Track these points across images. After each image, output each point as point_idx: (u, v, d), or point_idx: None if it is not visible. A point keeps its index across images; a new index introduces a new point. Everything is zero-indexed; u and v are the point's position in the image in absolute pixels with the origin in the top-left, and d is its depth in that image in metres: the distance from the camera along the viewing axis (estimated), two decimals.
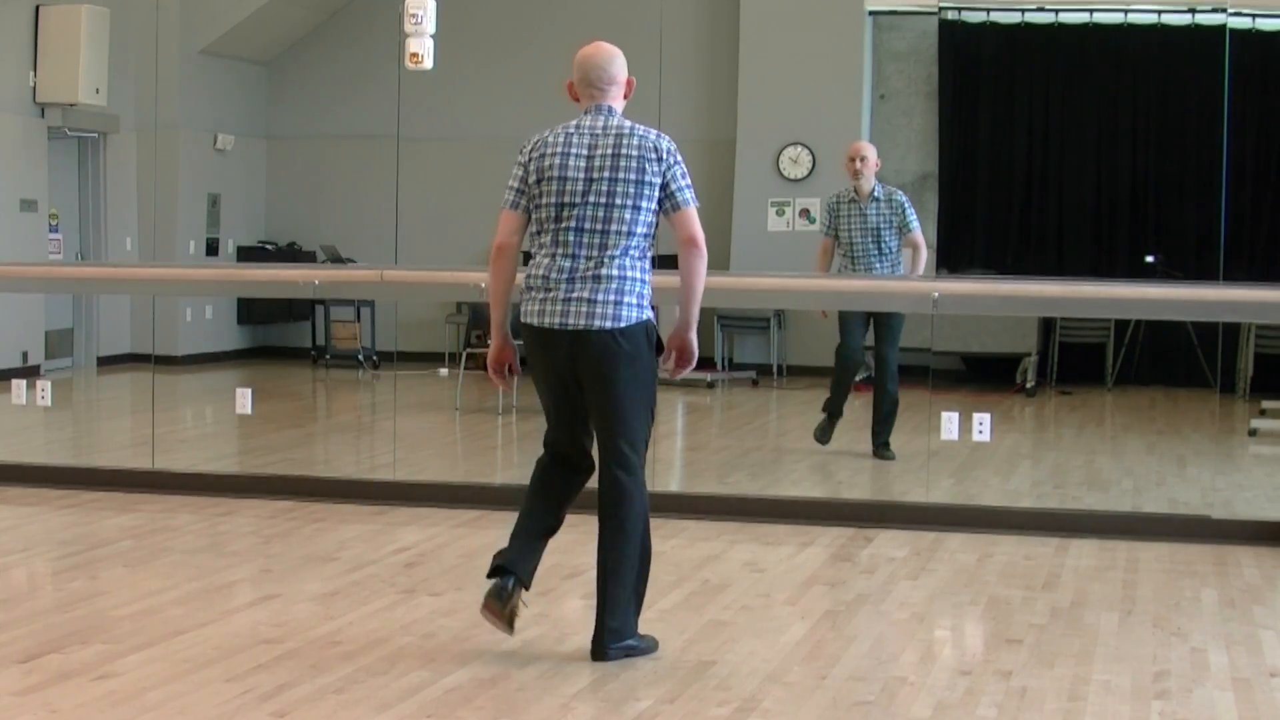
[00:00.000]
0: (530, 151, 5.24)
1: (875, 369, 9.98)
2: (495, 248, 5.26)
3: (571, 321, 5.11)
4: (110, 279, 10.63)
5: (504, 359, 5.37)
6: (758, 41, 15.03)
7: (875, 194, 9.77)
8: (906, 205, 9.78)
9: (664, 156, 5.19)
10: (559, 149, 5.19)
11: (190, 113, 15.29)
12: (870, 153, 9.85)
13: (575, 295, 5.11)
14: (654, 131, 5.23)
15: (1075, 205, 14.99)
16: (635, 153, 5.16)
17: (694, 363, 5.31)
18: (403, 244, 11.09)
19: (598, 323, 5.12)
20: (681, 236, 5.22)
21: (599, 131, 5.21)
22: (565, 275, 5.13)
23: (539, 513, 5.30)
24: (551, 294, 5.13)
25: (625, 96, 5.31)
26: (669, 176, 5.19)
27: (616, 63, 5.28)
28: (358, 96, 15.92)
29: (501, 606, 5.15)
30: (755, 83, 15.08)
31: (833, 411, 9.90)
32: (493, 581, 5.19)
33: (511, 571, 5.18)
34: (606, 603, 5.18)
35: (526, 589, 5.23)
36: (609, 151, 5.17)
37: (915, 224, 9.76)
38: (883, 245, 9.73)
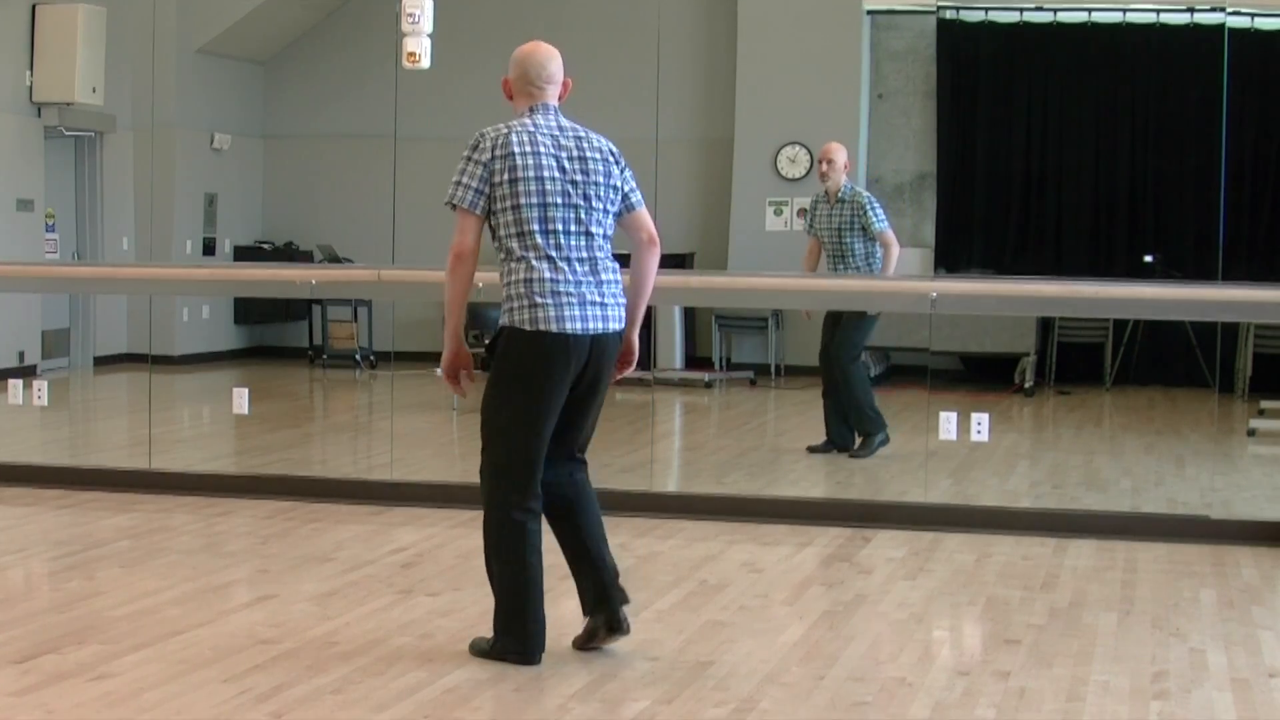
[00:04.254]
0: (493, 150, 5.07)
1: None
2: (457, 253, 5.08)
3: (591, 326, 5.07)
4: (107, 278, 10.61)
5: (461, 365, 5.26)
6: (756, 41, 15.02)
7: (842, 195, 9.80)
8: (868, 205, 9.76)
9: (618, 159, 5.23)
10: (527, 148, 5.08)
11: (187, 112, 15.27)
12: (839, 155, 9.85)
13: (590, 299, 5.07)
14: (602, 135, 5.25)
15: (1074, 205, 14.98)
16: (599, 155, 5.17)
17: (634, 364, 5.34)
18: (400, 244, 11.07)
19: (612, 325, 5.12)
20: (643, 236, 5.26)
21: (556, 131, 5.16)
22: (571, 278, 5.05)
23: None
24: (566, 298, 5.03)
25: (561, 98, 5.26)
26: (623, 179, 5.22)
27: (555, 62, 5.24)
28: (355, 96, 15.90)
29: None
30: (753, 82, 15.07)
31: (838, 445, 9.87)
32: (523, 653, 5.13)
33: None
34: (608, 573, 5.20)
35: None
36: (575, 153, 5.13)
37: (879, 223, 9.74)
38: (846, 245, 9.77)
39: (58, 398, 12.41)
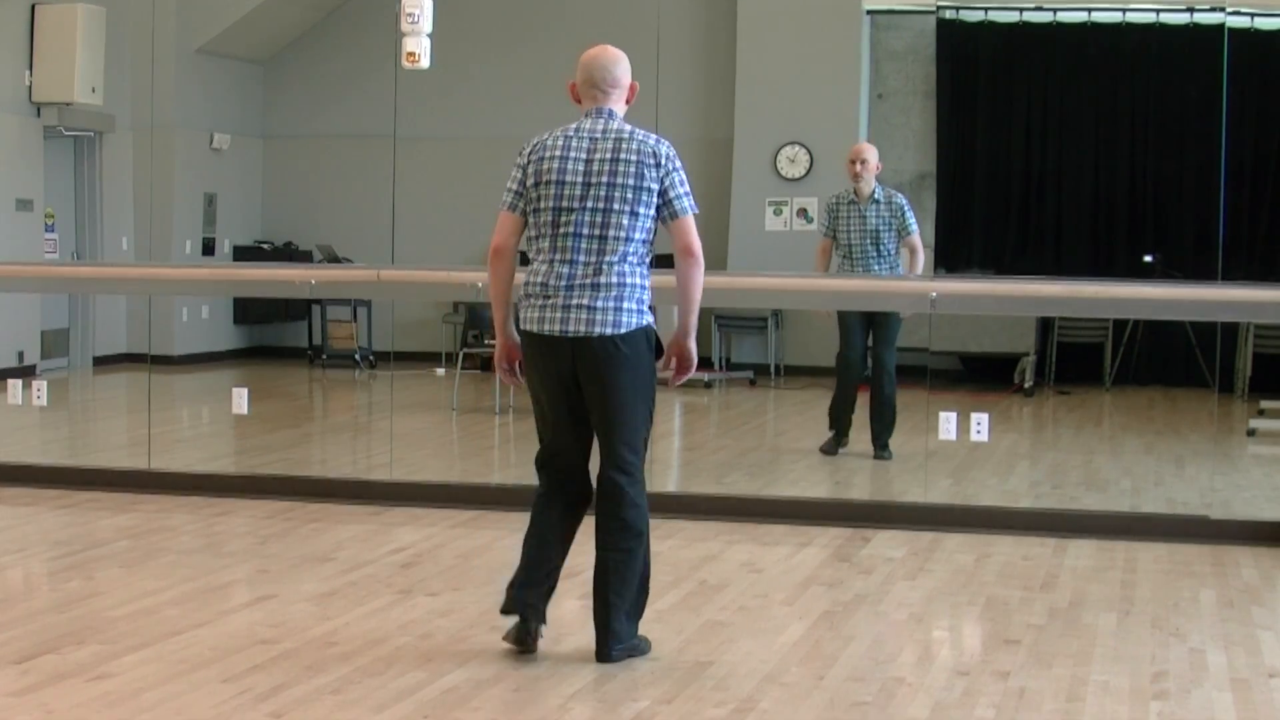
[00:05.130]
0: (529, 154, 5.19)
1: (872, 371, 9.96)
2: (492, 250, 5.23)
3: (572, 328, 5.08)
4: (106, 278, 10.60)
5: (510, 356, 5.33)
6: (755, 40, 15.02)
7: (875, 196, 9.78)
8: (906, 208, 9.80)
9: (663, 162, 5.13)
10: (557, 152, 5.14)
11: (186, 112, 15.27)
12: (871, 155, 9.86)
13: (575, 302, 5.08)
14: (654, 136, 5.18)
15: (1073, 205, 14.98)
16: (634, 158, 5.12)
17: (693, 369, 5.33)
18: (399, 244, 11.07)
19: (598, 329, 5.08)
20: (678, 246, 5.19)
21: (598, 135, 5.16)
22: (564, 282, 5.09)
23: (548, 560, 5.22)
24: (550, 301, 5.10)
25: (628, 101, 5.26)
26: (668, 183, 5.14)
27: (620, 66, 5.23)
28: (354, 96, 15.90)
29: (529, 647, 5.19)
30: (753, 82, 15.07)
31: (840, 430, 9.89)
32: (515, 623, 5.17)
33: (535, 619, 5.18)
34: (609, 605, 5.16)
35: (544, 624, 5.23)
36: (607, 156, 5.12)
37: (914, 227, 9.79)
38: (881, 247, 9.75)
39: (57, 398, 12.41)
